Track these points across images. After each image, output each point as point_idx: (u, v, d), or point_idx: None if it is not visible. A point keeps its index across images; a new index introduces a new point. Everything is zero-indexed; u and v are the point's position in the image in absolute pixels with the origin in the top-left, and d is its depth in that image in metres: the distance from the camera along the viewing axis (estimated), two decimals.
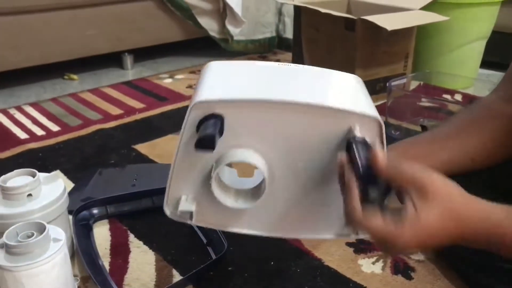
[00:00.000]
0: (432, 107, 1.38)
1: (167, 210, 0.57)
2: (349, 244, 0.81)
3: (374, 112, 0.51)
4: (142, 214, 0.90)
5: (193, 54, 2.06)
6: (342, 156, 0.49)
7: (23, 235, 0.64)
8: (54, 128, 1.31)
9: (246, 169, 0.56)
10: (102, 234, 0.85)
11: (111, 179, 1.02)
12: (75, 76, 1.78)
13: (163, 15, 1.84)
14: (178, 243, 0.83)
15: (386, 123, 0.84)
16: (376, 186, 0.47)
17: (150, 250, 0.81)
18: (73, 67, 1.80)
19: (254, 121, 0.49)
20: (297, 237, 0.63)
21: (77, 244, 0.78)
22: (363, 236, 0.54)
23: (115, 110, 1.43)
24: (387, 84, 1.25)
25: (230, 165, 0.55)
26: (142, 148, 1.18)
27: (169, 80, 1.73)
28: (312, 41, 1.61)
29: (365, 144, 0.48)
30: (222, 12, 1.88)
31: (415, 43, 1.55)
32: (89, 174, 1.04)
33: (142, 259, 0.78)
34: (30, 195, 0.71)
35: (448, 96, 1.49)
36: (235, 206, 0.53)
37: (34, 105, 1.48)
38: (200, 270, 0.72)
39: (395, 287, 0.72)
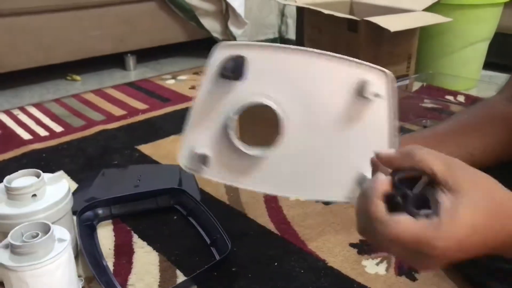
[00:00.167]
0: (435, 108, 1.38)
1: (181, 160, 0.56)
2: (353, 245, 0.81)
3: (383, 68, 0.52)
4: (146, 215, 0.90)
5: (196, 55, 2.06)
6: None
7: (28, 235, 0.64)
8: (58, 128, 1.31)
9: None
10: (106, 234, 0.85)
11: (115, 180, 1.02)
12: (77, 77, 1.78)
13: (166, 16, 1.84)
14: (181, 243, 0.83)
15: None
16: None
17: (154, 251, 0.81)
18: (75, 68, 1.80)
19: (273, 68, 0.51)
20: (307, 198, 0.61)
21: (81, 245, 0.78)
22: None
23: (118, 111, 1.44)
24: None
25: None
26: (145, 148, 1.18)
27: (172, 81, 1.73)
28: (315, 42, 1.61)
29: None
30: (225, 13, 1.89)
31: (418, 44, 1.55)
32: (92, 174, 1.04)
33: (146, 260, 0.78)
34: (34, 195, 0.71)
35: (451, 98, 1.49)
36: (252, 152, 0.53)
37: (38, 105, 1.49)
38: (204, 271, 0.72)
39: None
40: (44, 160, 1.13)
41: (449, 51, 1.59)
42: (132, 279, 0.74)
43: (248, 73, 0.51)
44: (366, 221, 0.40)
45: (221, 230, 0.80)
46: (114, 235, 0.85)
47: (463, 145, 0.66)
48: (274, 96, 0.51)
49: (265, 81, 0.52)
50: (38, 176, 0.73)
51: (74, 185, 1.01)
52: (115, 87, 1.66)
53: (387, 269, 0.76)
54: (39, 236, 0.64)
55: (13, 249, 0.62)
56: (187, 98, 1.54)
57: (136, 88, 1.65)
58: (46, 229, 0.65)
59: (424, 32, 1.55)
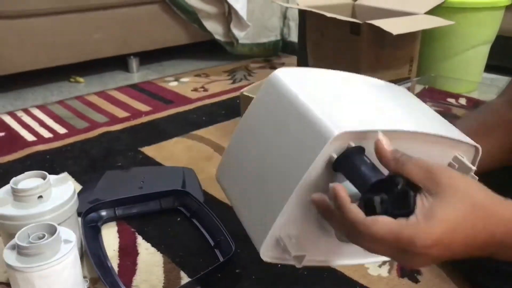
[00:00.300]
0: (437, 111, 1.38)
1: (265, 253, 0.47)
2: None
3: (467, 138, 0.52)
4: (150, 216, 0.91)
5: (198, 57, 2.07)
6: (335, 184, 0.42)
7: (34, 237, 0.65)
8: (61, 130, 1.32)
9: None
10: (110, 236, 0.86)
11: (119, 182, 1.03)
12: (81, 79, 1.79)
13: (169, 18, 1.85)
14: (185, 245, 0.83)
15: None
16: (380, 195, 0.41)
17: (158, 252, 0.81)
18: (78, 70, 1.81)
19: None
20: (376, 262, 0.60)
21: (86, 246, 0.79)
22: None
23: (121, 113, 1.44)
24: None
25: None
26: (149, 150, 1.19)
27: (175, 83, 1.74)
28: (317, 44, 1.62)
29: (359, 149, 0.44)
30: (227, 15, 1.89)
31: (420, 47, 1.56)
32: (96, 176, 1.05)
33: (151, 261, 0.79)
34: (40, 197, 0.72)
35: (452, 100, 1.50)
36: (345, 241, 0.47)
37: (41, 107, 1.50)
38: (208, 272, 0.73)
39: None
40: (48, 162, 1.13)
41: (451, 54, 1.60)
42: (137, 280, 0.75)
43: None
44: (348, 228, 0.41)
45: (225, 232, 0.80)
46: (119, 237, 0.86)
47: None
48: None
49: None
50: (44, 178, 0.74)
51: (78, 187, 1.01)
52: (118, 89, 1.67)
53: (389, 271, 0.76)
54: (46, 237, 0.65)
55: (20, 250, 0.63)
56: (190, 100, 1.55)
57: (139, 90, 1.66)
58: (52, 230, 0.66)
59: (426, 35, 1.55)
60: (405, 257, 0.40)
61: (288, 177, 0.45)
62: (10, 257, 0.63)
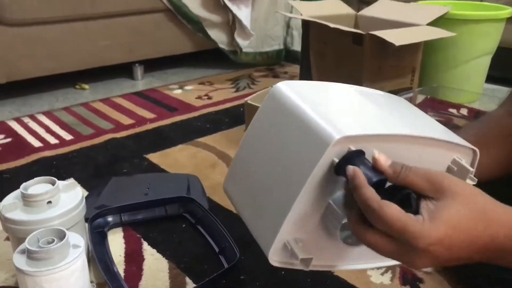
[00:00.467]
0: (438, 121, 1.39)
1: (273, 258, 0.49)
2: None
3: (465, 142, 0.54)
4: (155, 223, 0.92)
5: (202, 65, 2.09)
6: (351, 169, 0.44)
7: (44, 241, 0.66)
8: (67, 136, 1.34)
9: None
10: (116, 241, 0.87)
11: (124, 188, 1.04)
12: (86, 86, 1.81)
13: (174, 27, 1.87)
14: (190, 251, 0.84)
15: None
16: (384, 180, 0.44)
17: (164, 258, 0.82)
18: (84, 77, 1.83)
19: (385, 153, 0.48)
20: (385, 265, 0.62)
21: (93, 251, 0.80)
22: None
23: (126, 120, 1.46)
24: None
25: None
26: (154, 157, 1.21)
27: (179, 91, 1.75)
28: (320, 54, 1.64)
29: (359, 152, 0.46)
30: (231, 24, 1.92)
31: (422, 57, 1.58)
32: (102, 182, 1.06)
33: (156, 267, 0.80)
34: (50, 202, 0.73)
35: (454, 110, 1.51)
36: (353, 242, 0.50)
37: (47, 114, 1.51)
38: (213, 279, 0.74)
39: None
40: (55, 168, 1.15)
41: (453, 64, 1.62)
42: (143, 285, 0.76)
43: None
44: (362, 207, 0.42)
45: (230, 239, 0.82)
46: (125, 242, 0.87)
47: None
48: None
49: None
50: (53, 183, 0.75)
51: (84, 193, 1.03)
52: (123, 96, 1.69)
53: (391, 279, 0.77)
54: (55, 242, 0.66)
55: (29, 254, 0.64)
56: (194, 108, 1.57)
57: (143, 97, 1.68)
58: (61, 235, 0.67)
59: (428, 46, 1.57)
60: (406, 253, 0.42)
61: (293, 182, 0.46)
62: (20, 261, 0.65)
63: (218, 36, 1.92)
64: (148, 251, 0.85)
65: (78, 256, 0.66)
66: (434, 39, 1.49)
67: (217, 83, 1.85)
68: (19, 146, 1.27)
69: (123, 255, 0.83)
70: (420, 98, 1.51)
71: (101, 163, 1.18)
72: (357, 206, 0.43)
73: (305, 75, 1.69)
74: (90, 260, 0.81)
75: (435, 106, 1.48)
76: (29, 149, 1.25)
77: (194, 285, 0.76)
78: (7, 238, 0.86)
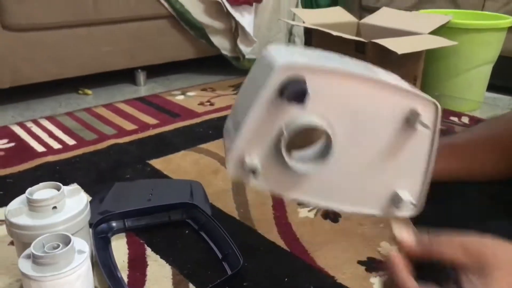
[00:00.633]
0: (440, 129, 1.40)
1: (229, 167, 0.55)
2: (361, 262, 0.83)
3: (425, 94, 0.53)
4: (158, 228, 0.92)
5: (204, 71, 2.10)
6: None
7: (49, 246, 0.67)
8: (70, 142, 1.34)
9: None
10: (120, 247, 0.87)
11: (127, 193, 1.04)
12: (89, 91, 1.82)
13: (177, 33, 1.88)
14: (194, 257, 0.85)
15: None
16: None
17: (167, 264, 0.83)
18: (86, 82, 1.84)
19: (329, 91, 0.52)
20: (347, 210, 0.63)
21: (97, 256, 0.80)
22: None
23: (129, 126, 1.47)
24: None
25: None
26: (157, 163, 1.21)
27: (181, 97, 1.76)
28: None
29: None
30: (234, 31, 1.93)
31: (424, 66, 1.59)
32: (105, 188, 1.06)
33: (159, 273, 0.80)
34: (55, 207, 0.74)
35: (455, 119, 1.52)
36: (302, 169, 0.54)
37: (50, 118, 1.52)
38: (216, 285, 0.74)
39: None
40: (58, 173, 1.15)
41: (454, 73, 1.63)
42: None
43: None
44: None
45: (233, 245, 0.82)
46: (128, 248, 0.87)
47: (475, 159, 0.67)
48: (327, 118, 0.52)
49: (320, 103, 0.52)
50: (58, 189, 0.76)
51: (87, 198, 1.03)
52: (126, 101, 1.70)
53: None
54: (60, 247, 0.66)
55: (35, 259, 0.65)
56: (197, 114, 1.58)
57: (146, 103, 1.69)
58: (66, 240, 0.67)
59: (429, 55, 1.58)
60: None
61: (248, 105, 0.53)
62: (25, 266, 0.65)
63: (221, 43, 1.93)
64: (152, 257, 0.85)
65: (83, 262, 0.67)
66: (436, 48, 1.50)
67: (219, 89, 1.86)
68: (22, 150, 1.28)
69: (126, 260, 0.84)
70: None
71: (104, 169, 1.18)
72: None
73: None
74: (93, 265, 0.81)
75: None
76: (32, 153, 1.26)
77: None
78: (11, 243, 0.86)
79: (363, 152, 0.55)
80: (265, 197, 1.04)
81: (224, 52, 1.95)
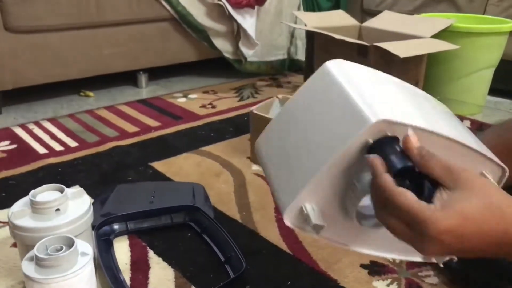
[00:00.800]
0: None
1: (288, 218, 0.51)
2: (364, 266, 0.83)
3: (496, 159, 0.54)
4: (161, 231, 0.92)
5: (206, 74, 2.11)
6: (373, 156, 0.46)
7: (52, 249, 0.67)
8: (72, 143, 1.34)
9: None
10: (122, 249, 0.87)
11: (130, 196, 1.04)
12: (91, 93, 1.82)
13: (178, 36, 1.89)
14: (196, 260, 0.85)
15: None
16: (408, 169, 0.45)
17: (170, 267, 0.83)
18: (88, 84, 1.84)
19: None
20: (396, 258, 0.64)
21: (99, 259, 0.80)
22: (440, 260, 0.51)
23: (131, 128, 1.47)
24: None
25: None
26: (159, 165, 1.21)
27: (183, 99, 1.76)
28: None
29: (396, 139, 0.47)
30: (236, 34, 1.93)
31: (425, 69, 1.59)
32: (107, 190, 1.06)
33: (162, 275, 0.80)
34: (58, 209, 0.74)
35: None
36: (367, 224, 0.53)
37: (52, 120, 1.52)
38: None
39: None
40: (60, 175, 1.15)
41: (456, 77, 1.63)
42: None
43: None
44: (378, 193, 0.45)
45: (236, 248, 0.82)
46: (130, 250, 0.87)
47: None
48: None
49: None
50: (61, 191, 0.76)
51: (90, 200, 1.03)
52: (128, 103, 1.70)
53: None
54: (63, 249, 0.66)
55: (38, 261, 0.65)
56: (198, 116, 1.58)
57: (148, 105, 1.69)
58: (70, 243, 0.67)
59: (431, 58, 1.59)
60: (417, 239, 0.43)
61: (323, 152, 0.49)
62: (29, 268, 0.65)
63: (223, 45, 1.93)
64: (154, 259, 0.85)
65: (87, 264, 0.67)
66: (437, 52, 1.51)
67: (221, 92, 1.86)
68: (24, 152, 1.28)
69: (129, 263, 0.84)
70: None
71: (106, 171, 1.18)
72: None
73: None
74: (96, 267, 0.81)
75: None
76: (34, 155, 1.26)
77: None
78: (14, 245, 0.86)
79: None
80: (267, 200, 1.04)
81: (226, 54, 1.95)
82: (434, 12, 1.90)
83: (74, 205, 0.76)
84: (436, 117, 0.56)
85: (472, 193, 0.43)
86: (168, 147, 1.33)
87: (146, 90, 1.91)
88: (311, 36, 1.74)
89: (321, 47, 1.67)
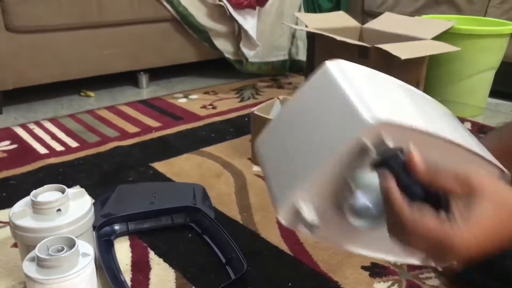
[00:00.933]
0: None
1: (282, 215, 0.52)
2: (365, 268, 0.83)
3: (497, 162, 0.54)
4: (161, 232, 0.92)
5: (206, 74, 2.11)
6: (384, 172, 0.46)
7: (53, 249, 0.67)
8: (73, 144, 1.34)
9: None
10: (123, 250, 0.87)
11: (130, 196, 1.04)
12: (91, 93, 1.82)
13: (179, 36, 1.89)
14: (197, 261, 0.84)
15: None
16: (418, 186, 0.45)
17: (170, 268, 0.82)
18: (88, 84, 1.84)
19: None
20: (391, 260, 0.67)
21: (100, 259, 0.80)
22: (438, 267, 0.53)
23: (131, 128, 1.47)
24: None
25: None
26: (160, 166, 1.21)
27: (184, 100, 1.76)
28: None
29: (400, 151, 0.47)
30: (237, 35, 1.93)
31: (426, 71, 1.59)
32: (108, 190, 1.06)
33: (163, 276, 0.80)
34: (59, 210, 0.74)
35: None
36: (361, 225, 0.53)
37: (53, 120, 1.52)
38: None
39: None
40: (61, 175, 1.15)
41: (457, 79, 1.63)
42: None
43: None
44: (393, 218, 0.45)
45: (237, 249, 0.82)
46: (131, 251, 0.87)
47: None
48: None
49: None
50: (63, 191, 0.76)
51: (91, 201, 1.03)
52: (128, 104, 1.70)
53: None
54: (65, 250, 0.66)
55: (39, 262, 0.65)
56: (199, 117, 1.58)
57: (148, 105, 1.69)
58: (71, 243, 0.67)
59: (432, 60, 1.59)
60: (441, 255, 0.44)
61: (321, 151, 0.49)
62: (30, 268, 0.65)
63: (224, 46, 1.93)
64: (155, 260, 0.85)
65: (88, 265, 0.67)
66: (439, 54, 1.51)
67: (221, 92, 1.86)
68: (24, 152, 1.28)
69: (129, 264, 0.84)
70: None
71: (107, 171, 1.18)
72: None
73: None
74: (97, 268, 0.81)
75: None
76: (35, 155, 1.26)
77: None
78: (14, 245, 0.86)
79: None
80: (268, 201, 1.04)
81: (227, 55, 1.96)
82: (435, 14, 1.90)
83: (75, 206, 0.76)
84: (436, 119, 0.55)
85: (485, 197, 0.43)
86: (169, 147, 1.33)
87: (146, 91, 1.91)
88: (312, 37, 1.74)
89: (322, 49, 1.67)
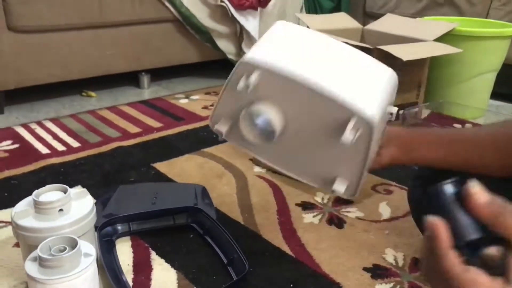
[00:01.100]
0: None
1: (210, 123, 0.75)
2: (366, 269, 0.83)
3: (373, 112, 0.61)
4: (163, 232, 0.92)
5: (207, 75, 2.11)
6: (434, 220, 0.39)
7: (55, 249, 0.67)
8: (75, 144, 1.34)
9: None
10: (124, 250, 0.87)
11: (132, 196, 1.04)
12: (93, 93, 1.82)
13: (181, 37, 1.89)
14: (199, 262, 0.84)
15: None
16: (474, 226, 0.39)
17: (172, 268, 0.82)
18: (90, 84, 1.84)
19: (283, 87, 0.63)
20: (295, 176, 0.75)
21: (102, 260, 0.80)
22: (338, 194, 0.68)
23: (133, 128, 1.47)
24: (401, 112, 1.29)
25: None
26: (161, 166, 1.21)
27: (185, 101, 1.76)
28: None
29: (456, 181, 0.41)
30: (239, 35, 1.93)
31: (428, 72, 1.59)
32: (109, 190, 1.06)
33: (165, 277, 0.80)
34: (61, 210, 0.74)
35: (459, 126, 1.52)
36: (252, 140, 0.67)
37: (54, 120, 1.52)
38: None
39: None
40: (63, 175, 1.15)
41: (458, 80, 1.63)
42: None
43: (262, 83, 0.63)
44: (438, 272, 0.38)
45: (239, 250, 0.82)
46: (133, 251, 0.87)
47: (478, 153, 0.69)
48: (279, 106, 0.65)
49: (275, 93, 0.64)
50: (65, 191, 0.76)
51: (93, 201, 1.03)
52: (130, 104, 1.70)
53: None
54: (67, 250, 0.66)
55: (41, 262, 0.65)
56: (200, 118, 1.58)
57: (150, 106, 1.69)
58: (73, 243, 0.67)
59: (434, 61, 1.59)
60: None
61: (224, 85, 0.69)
62: (32, 268, 0.65)
63: (226, 47, 1.93)
64: (156, 261, 0.85)
65: (90, 265, 0.67)
66: (440, 55, 1.51)
67: None
68: (26, 152, 1.28)
69: (131, 264, 0.83)
70: (426, 113, 1.52)
71: (108, 171, 1.18)
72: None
73: None
74: (98, 268, 0.81)
75: (440, 121, 1.49)
76: (36, 155, 1.26)
77: None
78: (16, 245, 0.86)
79: (309, 139, 0.68)
80: (269, 202, 1.04)
81: (229, 56, 1.96)
82: (437, 16, 1.90)
83: (77, 206, 0.76)
84: (326, 68, 0.64)
85: None
86: (170, 148, 1.33)
87: (148, 91, 1.91)
88: None
89: None
